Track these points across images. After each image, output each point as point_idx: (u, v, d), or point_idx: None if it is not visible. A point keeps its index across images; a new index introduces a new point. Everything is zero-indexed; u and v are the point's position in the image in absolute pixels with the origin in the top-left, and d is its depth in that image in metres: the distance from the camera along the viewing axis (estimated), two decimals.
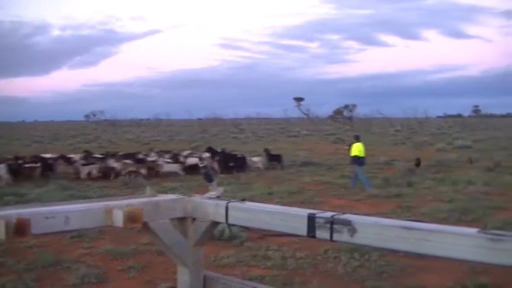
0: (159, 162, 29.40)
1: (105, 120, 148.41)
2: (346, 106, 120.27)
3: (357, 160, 24.49)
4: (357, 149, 24.68)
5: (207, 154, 31.72)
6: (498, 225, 14.03)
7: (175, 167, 29.04)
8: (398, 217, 15.62)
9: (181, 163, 29.86)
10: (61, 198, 18.23)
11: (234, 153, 33.87)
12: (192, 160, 29.77)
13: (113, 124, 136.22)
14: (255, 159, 32.04)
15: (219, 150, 33.66)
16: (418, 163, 26.51)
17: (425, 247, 2.86)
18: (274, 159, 33.12)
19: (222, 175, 26.77)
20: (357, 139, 25.38)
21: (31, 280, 10.71)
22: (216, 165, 29.55)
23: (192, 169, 28.38)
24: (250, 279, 10.23)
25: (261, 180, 26.09)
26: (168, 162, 29.70)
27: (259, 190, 22.08)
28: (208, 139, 70.97)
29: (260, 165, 31.44)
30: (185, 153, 33.25)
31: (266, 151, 34.35)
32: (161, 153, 33.50)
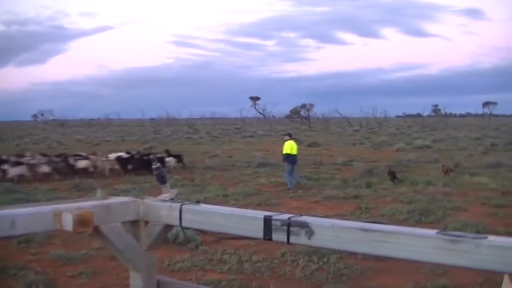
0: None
1: (54, 120, 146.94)
2: (303, 106, 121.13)
3: (288, 158, 24.94)
4: (289, 146, 25.19)
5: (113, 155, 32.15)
6: (458, 226, 14.27)
7: (21, 169, 28.58)
8: (357, 218, 15.81)
9: (71, 165, 29.97)
10: (6, 201, 17.97)
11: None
12: (83, 163, 30.03)
13: (62, 124, 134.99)
14: (167, 159, 32.12)
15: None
16: (392, 177, 24.45)
17: (383, 249, 2.88)
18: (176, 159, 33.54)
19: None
20: (290, 136, 26.24)
21: None
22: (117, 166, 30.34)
23: (82, 172, 29.00)
24: (206, 284, 10.21)
25: (216, 181, 26.07)
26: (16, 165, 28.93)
27: (214, 192, 22.07)
28: (162, 139, 70.70)
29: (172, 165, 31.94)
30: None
31: (167, 151, 34.83)
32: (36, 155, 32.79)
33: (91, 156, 31.62)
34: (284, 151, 25.33)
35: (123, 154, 32.63)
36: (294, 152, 25.19)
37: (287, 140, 25.87)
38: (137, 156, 32.33)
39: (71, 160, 30.39)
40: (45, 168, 28.82)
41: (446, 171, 24.88)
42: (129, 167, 30.57)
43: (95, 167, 30.29)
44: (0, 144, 64.09)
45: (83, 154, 33.01)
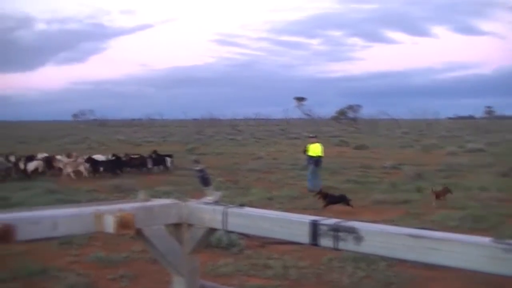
0: None
1: (95, 119, 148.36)
2: (350, 107, 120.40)
3: (314, 160, 25.16)
4: (315, 148, 25.48)
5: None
6: None
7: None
8: (406, 224, 15.63)
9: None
10: (47, 202, 18.21)
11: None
12: (33, 164, 30.41)
13: (103, 124, 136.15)
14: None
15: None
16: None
17: (434, 257, 2.85)
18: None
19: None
20: (314, 139, 26.47)
21: None
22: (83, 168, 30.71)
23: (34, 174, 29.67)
24: None
25: (260, 184, 26.06)
26: None
27: (259, 195, 22.05)
28: (204, 140, 70.94)
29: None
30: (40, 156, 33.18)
31: (155, 152, 35.14)
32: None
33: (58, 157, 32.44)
34: (310, 153, 25.50)
35: (99, 156, 33.31)
36: (320, 153, 25.45)
37: (313, 142, 26.08)
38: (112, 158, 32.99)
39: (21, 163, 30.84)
40: None
41: (437, 197, 21.47)
42: (101, 169, 31.48)
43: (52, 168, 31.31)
44: (42, 144, 65.00)
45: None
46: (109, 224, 3.54)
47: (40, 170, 30.27)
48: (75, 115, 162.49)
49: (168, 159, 33.74)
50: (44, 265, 12.22)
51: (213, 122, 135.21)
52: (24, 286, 11.02)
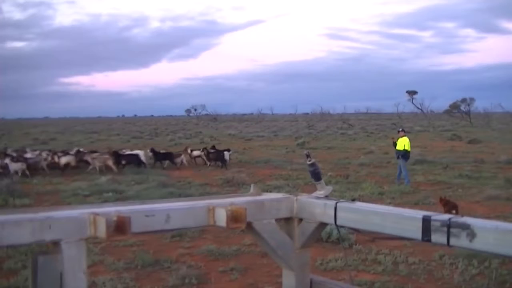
0: None
1: (206, 114, 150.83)
2: (463, 100, 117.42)
3: (404, 154, 25.09)
4: (403, 142, 25.36)
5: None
6: None
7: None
8: None
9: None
10: (160, 195, 18.63)
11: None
12: (65, 159, 31.13)
13: (215, 119, 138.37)
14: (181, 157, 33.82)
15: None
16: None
17: None
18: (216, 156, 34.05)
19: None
20: (404, 132, 26.37)
21: (131, 280, 10.99)
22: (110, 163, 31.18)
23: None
24: (359, 285, 10.17)
25: (371, 179, 25.86)
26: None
27: (369, 190, 21.90)
28: (315, 135, 70.93)
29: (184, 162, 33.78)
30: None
31: (152, 150, 34.93)
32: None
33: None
34: (399, 147, 25.50)
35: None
36: (408, 148, 25.43)
37: (401, 136, 25.98)
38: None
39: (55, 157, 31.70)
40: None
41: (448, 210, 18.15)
42: (123, 162, 32.08)
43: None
44: (155, 139, 66.58)
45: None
46: (221, 218, 3.58)
47: (72, 164, 31.23)
48: (187, 110, 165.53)
49: (226, 153, 33.78)
50: (156, 257, 12.51)
51: (324, 116, 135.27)
52: (138, 276, 11.31)
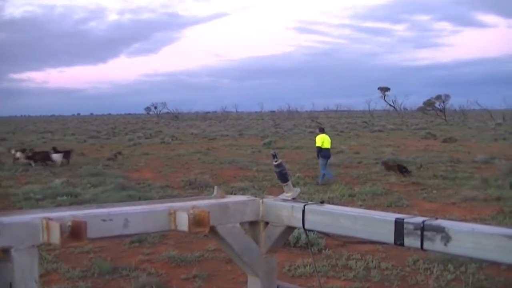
0: None
1: (168, 113, 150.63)
2: (438, 97, 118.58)
3: (321, 152, 26.20)
4: (320, 140, 26.43)
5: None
6: None
7: None
8: (500, 224, 15.36)
9: None
10: (118, 198, 18.56)
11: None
12: None
13: (176, 117, 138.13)
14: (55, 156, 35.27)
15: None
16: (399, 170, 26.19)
17: None
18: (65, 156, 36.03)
19: None
20: (322, 131, 27.53)
21: None
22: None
23: None
24: None
25: (341, 180, 25.99)
26: None
27: (339, 191, 22.02)
28: (282, 134, 71.09)
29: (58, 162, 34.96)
30: None
31: (54, 148, 37.35)
32: None
33: None
34: (316, 144, 26.67)
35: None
36: (327, 146, 26.40)
37: (319, 133, 27.17)
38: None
39: None
40: None
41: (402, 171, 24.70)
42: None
43: None
44: (113, 138, 66.25)
45: None
46: (183, 222, 3.56)
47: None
48: (147, 108, 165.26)
49: (56, 155, 35.28)
50: (115, 264, 12.47)
51: (292, 115, 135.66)
52: (95, 285, 11.26)
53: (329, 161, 26.48)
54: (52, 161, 34.28)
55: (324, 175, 25.60)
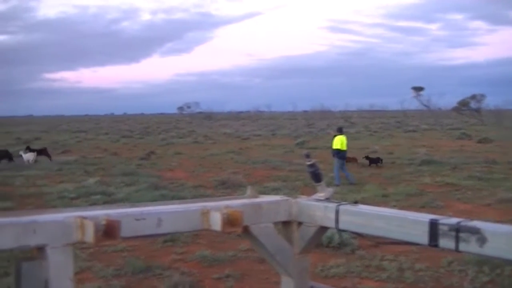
0: None
1: (200, 112, 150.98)
2: (473, 96, 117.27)
3: (338, 153, 26.43)
4: (339, 142, 26.71)
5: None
6: None
7: None
8: None
9: None
10: (151, 198, 18.64)
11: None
12: None
13: (209, 117, 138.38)
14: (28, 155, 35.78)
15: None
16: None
17: None
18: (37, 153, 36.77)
19: None
20: (340, 131, 27.75)
21: (120, 287, 10.99)
22: None
23: None
24: None
25: (374, 180, 25.89)
26: None
27: (373, 192, 21.94)
28: (315, 133, 70.95)
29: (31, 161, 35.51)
30: None
31: (28, 147, 37.31)
32: None
33: None
34: (334, 146, 26.78)
35: None
36: (344, 147, 26.70)
37: (337, 135, 27.33)
38: None
39: None
40: None
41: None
42: None
43: None
44: (146, 138, 66.58)
45: None
46: (216, 221, 3.57)
47: None
48: (180, 108, 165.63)
49: (29, 154, 35.81)
50: (148, 263, 12.52)
51: (324, 114, 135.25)
52: (128, 283, 11.32)
53: (362, 161, 26.57)
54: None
55: (339, 176, 25.71)
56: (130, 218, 3.36)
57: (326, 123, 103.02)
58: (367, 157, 32.46)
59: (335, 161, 26.24)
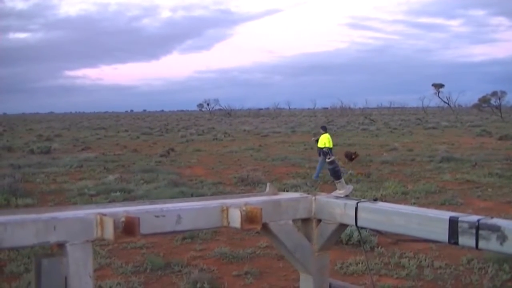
0: None
1: (220, 109, 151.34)
2: (494, 93, 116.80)
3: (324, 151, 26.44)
4: (324, 140, 26.96)
5: None
6: None
7: None
8: None
9: None
10: (171, 195, 18.66)
11: None
12: None
13: (229, 114, 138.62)
14: None
15: None
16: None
17: None
18: None
19: None
20: (325, 130, 28.16)
21: (139, 284, 11.04)
22: None
23: None
24: None
25: (394, 177, 25.81)
26: None
27: (392, 189, 21.86)
28: (335, 131, 70.85)
29: None
30: None
31: None
32: None
33: None
34: (320, 145, 27.05)
35: None
36: (329, 145, 26.76)
37: (322, 133, 27.66)
38: None
39: None
40: None
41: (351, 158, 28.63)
42: None
43: None
44: (166, 135, 66.73)
45: None
46: (235, 219, 3.57)
47: None
48: (200, 105, 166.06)
49: None
50: (167, 260, 12.55)
51: (344, 111, 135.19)
52: (147, 280, 11.35)
53: (382, 158, 26.49)
54: None
55: (318, 169, 26.00)
56: (150, 215, 3.37)
57: (345, 120, 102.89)
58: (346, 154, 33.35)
59: (321, 158, 26.05)
